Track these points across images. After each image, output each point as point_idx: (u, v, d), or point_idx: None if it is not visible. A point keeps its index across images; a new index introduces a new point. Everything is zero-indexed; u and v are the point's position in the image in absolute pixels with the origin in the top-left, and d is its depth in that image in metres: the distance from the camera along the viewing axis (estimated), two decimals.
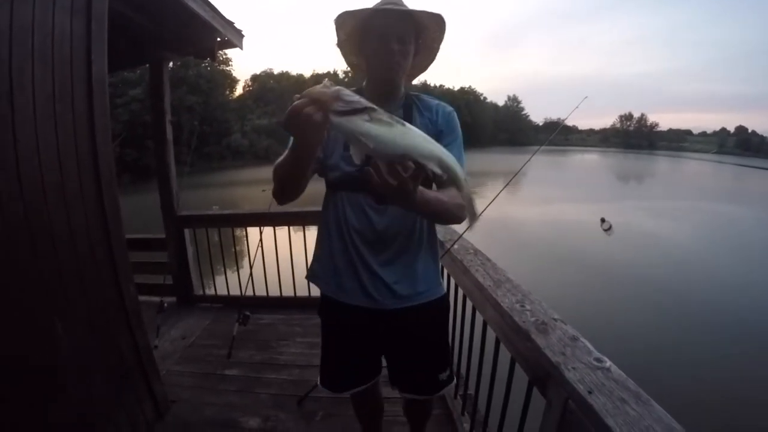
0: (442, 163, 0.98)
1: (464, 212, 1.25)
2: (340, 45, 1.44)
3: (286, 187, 1.27)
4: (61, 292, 1.80)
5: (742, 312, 7.52)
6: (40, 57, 1.66)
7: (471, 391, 2.18)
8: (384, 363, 1.69)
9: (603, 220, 14.17)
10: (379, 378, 1.71)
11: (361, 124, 0.92)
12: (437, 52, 1.46)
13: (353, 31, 1.38)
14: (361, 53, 1.39)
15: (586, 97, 2.35)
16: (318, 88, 0.93)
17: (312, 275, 1.58)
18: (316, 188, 1.46)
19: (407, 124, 0.95)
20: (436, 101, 1.47)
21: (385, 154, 0.95)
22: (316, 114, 0.90)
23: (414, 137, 0.95)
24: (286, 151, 1.15)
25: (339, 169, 1.38)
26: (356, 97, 0.92)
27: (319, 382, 1.68)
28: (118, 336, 2.15)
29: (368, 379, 1.66)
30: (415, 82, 1.39)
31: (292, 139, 1.11)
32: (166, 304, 3.52)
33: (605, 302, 7.63)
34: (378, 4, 1.31)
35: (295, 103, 0.92)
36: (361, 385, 1.64)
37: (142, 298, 2.39)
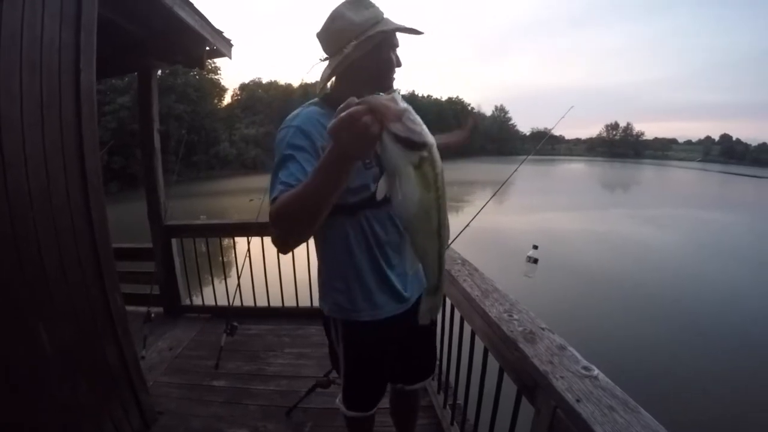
0: (425, 257, 0.95)
1: None
2: (326, 50, 1.31)
3: (306, 225, 1.03)
4: (46, 300, 1.78)
5: (731, 317, 7.59)
6: (29, 63, 1.65)
7: (460, 401, 2.18)
8: None
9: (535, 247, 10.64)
10: None
11: (404, 164, 0.80)
12: None
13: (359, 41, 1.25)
14: (354, 61, 1.26)
15: (572, 107, 2.39)
16: (384, 98, 0.79)
17: (337, 309, 1.45)
18: None
19: (443, 192, 0.85)
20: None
21: (399, 213, 0.88)
22: (374, 125, 0.77)
23: (428, 222, 0.87)
24: (307, 179, 0.97)
25: (367, 189, 1.29)
26: (418, 126, 0.79)
27: (345, 408, 1.61)
28: (104, 345, 2.12)
29: (385, 390, 1.66)
30: (403, 92, 1.34)
31: (291, 165, 1.10)
32: (153, 315, 3.49)
33: (593, 311, 7.67)
34: (381, 20, 1.26)
35: (355, 108, 0.78)
36: (382, 396, 1.64)
37: (128, 308, 2.37)
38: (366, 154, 0.85)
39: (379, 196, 0.87)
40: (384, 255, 1.39)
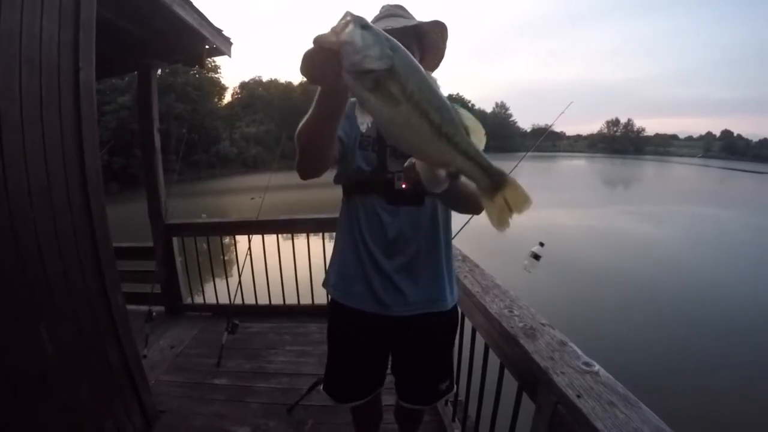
0: (451, 165, 0.86)
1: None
2: None
3: (310, 154, 1.16)
4: (47, 299, 1.78)
5: (731, 313, 7.59)
6: (28, 62, 1.65)
7: (461, 397, 2.18)
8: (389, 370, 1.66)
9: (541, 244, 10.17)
10: (381, 389, 1.67)
11: (363, 93, 0.78)
12: (444, 51, 1.47)
13: None
14: None
15: (572, 102, 2.40)
16: (327, 33, 0.76)
17: (325, 282, 1.58)
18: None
19: (424, 102, 0.79)
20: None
21: (388, 140, 0.85)
22: (329, 63, 0.78)
23: (414, 134, 0.82)
24: (311, 109, 1.02)
25: (356, 165, 1.37)
26: (359, 55, 0.75)
27: (322, 388, 1.66)
28: (106, 345, 2.12)
29: (371, 391, 1.63)
30: None
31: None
32: (154, 313, 3.48)
33: (594, 307, 7.67)
34: (376, 16, 1.34)
35: (308, 50, 0.79)
36: (365, 397, 1.61)
37: (130, 307, 2.37)
38: (332, 86, 0.86)
39: (362, 128, 0.86)
40: (365, 246, 1.41)
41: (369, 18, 1.33)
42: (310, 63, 0.79)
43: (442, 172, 0.89)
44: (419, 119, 0.79)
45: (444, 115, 0.81)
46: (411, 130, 0.81)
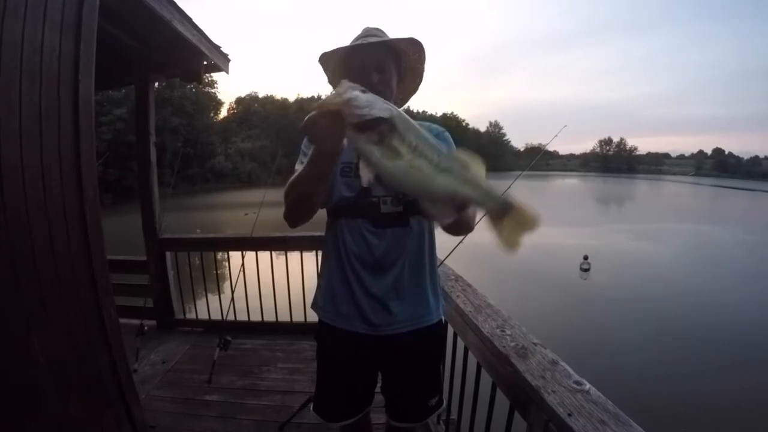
0: (456, 196, 0.90)
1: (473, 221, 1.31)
2: (331, 82, 1.45)
3: (301, 206, 1.26)
4: (39, 310, 1.76)
5: (724, 331, 7.61)
6: (28, 74, 1.66)
7: (454, 416, 2.17)
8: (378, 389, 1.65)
9: (585, 258, 11.59)
10: (370, 408, 1.66)
11: (367, 145, 0.86)
12: (423, 72, 1.50)
13: (337, 68, 1.42)
14: None
15: (566, 126, 2.43)
16: (330, 96, 0.87)
17: (313, 303, 1.57)
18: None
19: (422, 147, 0.87)
20: (427, 124, 1.44)
21: (398, 188, 0.93)
22: (333, 124, 0.88)
23: (418, 175, 0.88)
24: (301, 168, 1.12)
25: (338, 193, 1.39)
26: (366, 108, 0.84)
27: (312, 408, 1.64)
28: (97, 358, 2.10)
29: (361, 410, 1.61)
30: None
31: (304, 158, 1.14)
32: (146, 328, 3.46)
33: (586, 325, 7.67)
34: (356, 37, 1.39)
35: (311, 115, 0.90)
36: (354, 416, 1.59)
37: (122, 320, 2.35)
38: (334, 147, 0.95)
39: (364, 183, 0.96)
40: (352, 267, 1.41)
41: (348, 40, 1.38)
42: (314, 124, 0.90)
43: (450, 206, 0.93)
44: (419, 161, 0.87)
45: (441, 153, 0.89)
46: (413, 173, 0.87)
